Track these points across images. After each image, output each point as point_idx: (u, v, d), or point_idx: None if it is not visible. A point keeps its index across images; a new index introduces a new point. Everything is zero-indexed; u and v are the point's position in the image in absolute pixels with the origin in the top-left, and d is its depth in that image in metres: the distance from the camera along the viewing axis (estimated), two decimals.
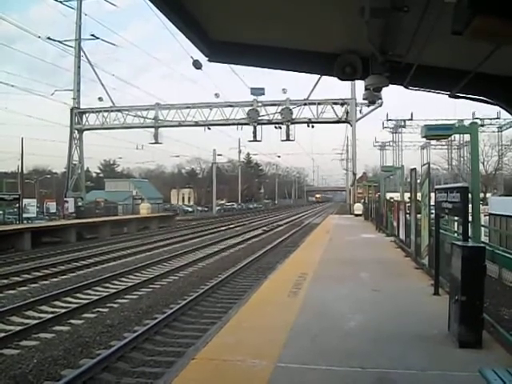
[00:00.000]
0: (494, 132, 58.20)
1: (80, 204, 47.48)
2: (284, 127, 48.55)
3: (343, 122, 49.32)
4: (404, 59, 4.76)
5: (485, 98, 5.23)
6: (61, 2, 45.98)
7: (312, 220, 55.03)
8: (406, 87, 5.20)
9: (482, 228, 18.21)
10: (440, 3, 3.04)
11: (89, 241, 31.67)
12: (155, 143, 52.19)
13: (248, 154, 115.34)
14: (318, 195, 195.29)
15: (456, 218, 14.26)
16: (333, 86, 55.82)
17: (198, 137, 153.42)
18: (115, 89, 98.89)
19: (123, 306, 12.82)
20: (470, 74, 4.52)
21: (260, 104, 48.35)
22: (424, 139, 21.75)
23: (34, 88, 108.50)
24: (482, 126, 54.02)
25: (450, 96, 5.19)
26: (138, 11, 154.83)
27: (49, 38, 45.36)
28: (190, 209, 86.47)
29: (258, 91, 48.02)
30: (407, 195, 17.36)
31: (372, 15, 3.81)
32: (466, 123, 28.03)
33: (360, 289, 10.86)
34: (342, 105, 48.03)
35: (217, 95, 48.61)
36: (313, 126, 48.98)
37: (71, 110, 51.04)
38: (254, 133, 48.99)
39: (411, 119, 61.51)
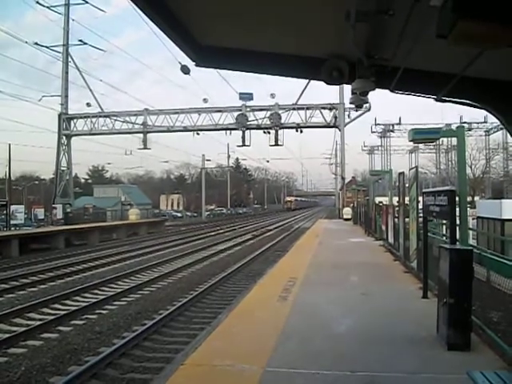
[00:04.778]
0: (481, 136, 58.66)
1: (68, 210, 47.26)
2: (273, 132, 48.68)
3: (332, 126, 49.54)
4: (390, 63, 4.79)
5: (471, 102, 5.26)
6: (48, 7, 45.95)
7: (302, 224, 55.02)
8: (393, 91, 5.23)
9: (470, 231, 18.31)
10: (425, 7, 3.06)
11: (77, 247, 31.47)
12: (144, 149, 52.09)
13: (237, 159, 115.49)
14: (289, 198, 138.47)
15: (444, 221, 14.33)
16: (321, 91, 56.16)
17: (187, 142, 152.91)
18: (105, 95, 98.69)
19: (112, 313, 12.74)
20: (455, 78, 4.55)
21: (249, 109, 48.52)
22: (412, 143, 21.87)
23: (25, 94, 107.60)
24: (470, 129, 54.44)
25: (436, 100, 5.22)
26: (131, 17, 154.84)
27: (36, 44, 45.27)
28: (179, 214, 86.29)
29: (246, 96, 48.17)
30: (396, 199, 17.42)
31: (358, 19, 3.83)
32: (454, 127, 28.19)
33: (349, 293, 10.87)
34: (331, 109, 48.27)
35: (205, 100, 48.75)
36: (301, 131, 49.19)
37: (59, 115, 50.83)
38: (243, 138, 49.08)
39: (399, 123, 61.78)
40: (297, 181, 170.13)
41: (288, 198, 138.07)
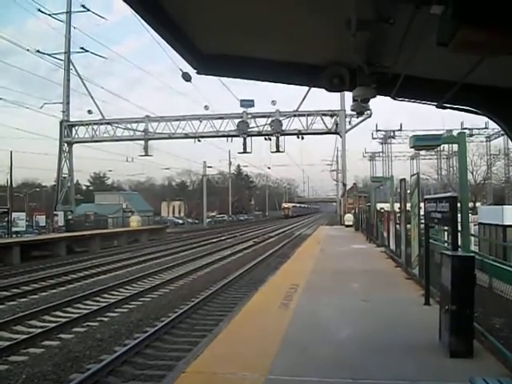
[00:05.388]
0: (482, 142, 58.66)
1: (70, 217, 47.23)
2: (274, 139, 48.70)
3: (333, 133, 49.58)
4: (391, 70, 4.79)
5: (472, 109, 5.26)
6: (50, 15, 46.14)
7: (303, 231, 54.95)
8: (394, 98, 5.24)
9: (472, 237, 18.27)
10: (425, 15, 3.06)
11: (79, 254, 31.44)
12: (145, 155, 52.10)
13: (238, 166, 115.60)
14: (286, 205, 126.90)
15: (446, 227, 14.31)
16: (322, 98, 56.29)
17: (188, 149, 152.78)
18: (107, 102, 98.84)
19: (113, 320, 12.72)
20: (456, 85, 4.55)
21: (250, 116, 48.57)
22: (413, 149, 21.90)
23: (27, 102, 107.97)
24: (471, 136, 54.40)
25: (437, 106, 5.22)
26: (132, 25, 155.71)
27: (38, 51, 45.39)
28: (180, 221, 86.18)
29: (247, 103, 48.23)
30: (397, 205, 17.40)
31: (358, 28, 3.83)
32: (455, 133, 28.19)
33: (351, 299, 10.84)
34: (332, 116, 48.32)
35: (206, 107, 48.79)
36: (302, 138, 49.23)
37: (60, 122, 50.91)
38: (244, 144, 49.11)
39: (400, 130, 61.75)
40: (298, 187, 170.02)
41: (285, 205, 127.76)
